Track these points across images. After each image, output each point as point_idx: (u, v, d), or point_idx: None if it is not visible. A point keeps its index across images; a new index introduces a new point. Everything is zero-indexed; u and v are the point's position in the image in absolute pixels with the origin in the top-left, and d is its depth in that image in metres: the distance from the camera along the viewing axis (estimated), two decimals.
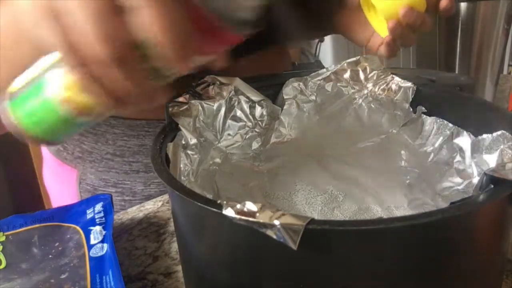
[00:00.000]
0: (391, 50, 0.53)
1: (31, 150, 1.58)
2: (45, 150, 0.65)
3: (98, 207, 0.47)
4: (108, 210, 0.46)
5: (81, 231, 0.44)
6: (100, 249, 0.41)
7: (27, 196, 1.65)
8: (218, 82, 0.43)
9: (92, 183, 0.60)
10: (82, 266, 0.39)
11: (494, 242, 0.30)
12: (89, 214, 0.46)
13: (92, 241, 0.42)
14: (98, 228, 0.43)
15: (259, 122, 0.45)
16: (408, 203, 0.40)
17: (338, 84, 0.46)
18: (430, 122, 0.43)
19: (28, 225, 0.45)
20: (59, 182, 0.64)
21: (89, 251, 0.41)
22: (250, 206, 0.25)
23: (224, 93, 0.43)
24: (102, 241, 0.42)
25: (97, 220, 0.45)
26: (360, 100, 0.46)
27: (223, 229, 0.28)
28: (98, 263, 0.39)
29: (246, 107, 0.44)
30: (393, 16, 0.48)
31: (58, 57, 0.31)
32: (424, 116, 0.43)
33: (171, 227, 0.50)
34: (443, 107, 0.42)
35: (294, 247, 0.24)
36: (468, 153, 0.39)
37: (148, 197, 0.59)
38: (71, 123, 0.33)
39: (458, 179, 0.39)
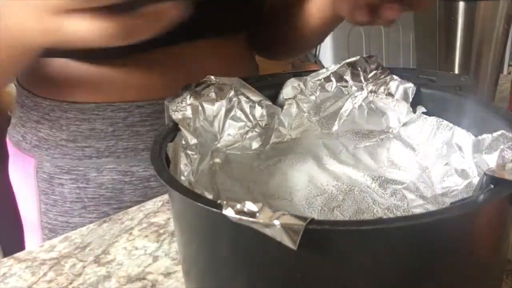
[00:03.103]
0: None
1: None
2: (9, 144, 0.65)
3: None
4: None
5: None
6: None
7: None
8: (218, 82, 0.43)
9: (48, 171, 0.60)
10: None
11: (494, 242, 0.30)
12: None
13: None
14: None
15: (259, 122, 0.45)
16: (408, 203, 0.40)
17: (338, 84, 0.46)
18: (430, 122, 0.43)
19: None
20: (20, 175, 0.64)
21: None
22: (250, 206, 0.25)
23: (224, 93, 0.43)
24: None
25: None
26: (360, 100, 0.46)
27: (223, 229, 0.28)
28: None
29: (246, 107, 0.44)
30: None
31: None
32: (424, 116, 0.43)
33: (171, 227, 0.50)
34: (443, 107, 0.42)
35: (294, 247, 0.24)
36: (468, 153, 0.39)
37: (101, 185, 0.59)
38: None
39: (458, 179, 0.39)
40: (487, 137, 0.36)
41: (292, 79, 0.46)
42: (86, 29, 0.34)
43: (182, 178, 0.36)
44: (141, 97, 0.57)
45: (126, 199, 0.60)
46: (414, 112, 0.44)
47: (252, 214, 0.25)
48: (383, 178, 0.43)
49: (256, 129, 0.45)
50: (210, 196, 0.38)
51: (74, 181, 0.59)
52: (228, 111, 0.43)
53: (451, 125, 0.41)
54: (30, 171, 0.61)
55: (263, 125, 0.46)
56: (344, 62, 0.46)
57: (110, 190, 0.59)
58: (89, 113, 0.57)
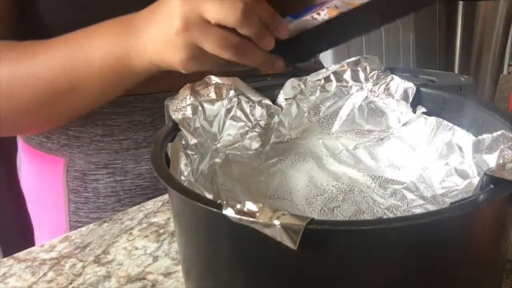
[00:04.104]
0: None
1: None
2: (23, 148, 0.65)
3: None
4: None
5: None
6: None
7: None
8: (218, 82, 0.43)
9: (81, 169, 0.60)
10: None
11: (494, 242, 0.30)
12: None
13: None
14: None
15: (259, 122, 0.45)
16: (408, 203, 0.40)
17: (338, 84, 0.46)
18: (430, 122, 0.43)
19: None
20: (42, 178, 0.64)
21: None
22: (250, 206, 0.25)
23: (224, 93, 0.43)
24: None
25: None
26: (360, 100, 0.46)
27: (223, 229, 0.28)
28: None
29: (246, 107, 0.44)
30: None
31: None
32: (424, 116, 0.43)
33: (171, 227, 0.50)
34: (443, 107, 0.42)
35: (294, 247, 0.24)
36: (468, 153, 0.39)
37: (139, 176, 0.59)
38: None
39: (457, 179, 0.39)
40: (487, 137, 0.36)
41: (292, 79, 0.46)
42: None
43: (182, 178, 0.36)
44: (178, 86, 0.56)
45: (162, 187, 0.60)
46: (414, 112, 0.44)
47: (252, 214, 0.25)
48: (383, 178, 0.43)
49: (256, 129, 0.45)
50: (210, 196, 0.38)
51: (111, 175, 0.59)
52: (228, 111, 0.43)
53: (451, 125, 0.41)
54: (57, 171, 0.60)
55: (263, 125, 0.46)
56: (344, 62, 0.46)
57: (147, 179, 0.60)
58: (127, 106, 0.58)
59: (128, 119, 0.59)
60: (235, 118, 0.44)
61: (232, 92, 0.43)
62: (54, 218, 0.63)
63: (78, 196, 0.60)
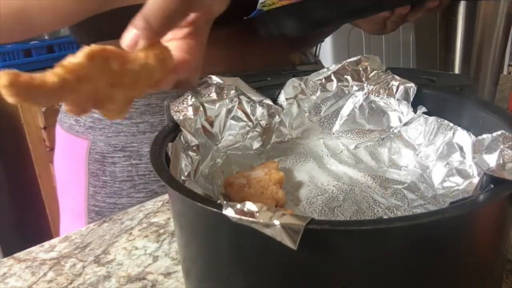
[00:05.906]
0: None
1: (31, 148, 1.58)
2: (59, 131, 0.68)
3: None
4: None
5: None
6: None
7: (27, 195, 1.66)
8: (219, 82, 0.43)
9: (101, 151, 0.62)
10: None
11: (494, 242, 0.30)
12: None
13: None
14: None
15: (260, 122, 0.45)
16: (408, 203, 0.40)
17: (339, 83, 0.46)
18: (430, 122, 0.43)
19: None
20: (68, 160, 0.67)
21: None
22: (250, 206, 0.25)
23: (225, 93, 0.43)
24: None
25: None
26: (361, 100, 0.46)
27: (223, 229, 0.28)
28: None
29: (247, 107, 0.44)
30: None
31: None
32: (425, 116, 0.43)
33: (171, 227, 0.50)
34: (443, 107, 0.42)
35: (294, 247, 0.24)
36: (468, 153, 0.39)
37: None
38: None
39: (458, 179, 0.39)
40: (487, 137, 0.36)
41: (293, 79, 0.46)
42: None
43: (182, 178, 0.36)
44: None
45: None
46: (415, 112, 0.44)
47: (252, 214, 0.25)
48: (383, 178, 0.43)
49: (257, 129, 0.45)
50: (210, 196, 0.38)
51: (127, 158, 0.62)
52: (229, 111, 0.43)
53: (451, 125, 0.41)
54: (81, 154, 0.64)
55: (264, 125, 0.46)
56: (345, 61, 0.46)
57: None
58: None
59: (146, 102, 0.61)
60: (236, 118, 0.44)
61: (233, 92, 0.43)
62: (76, 201, 0.66)
63: (97, 180, 0.63)
